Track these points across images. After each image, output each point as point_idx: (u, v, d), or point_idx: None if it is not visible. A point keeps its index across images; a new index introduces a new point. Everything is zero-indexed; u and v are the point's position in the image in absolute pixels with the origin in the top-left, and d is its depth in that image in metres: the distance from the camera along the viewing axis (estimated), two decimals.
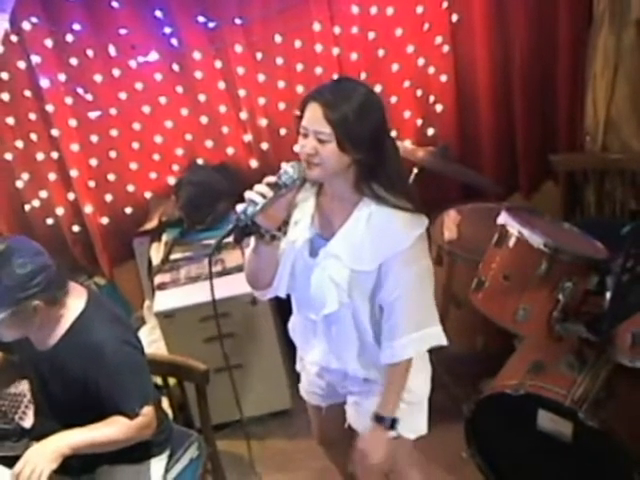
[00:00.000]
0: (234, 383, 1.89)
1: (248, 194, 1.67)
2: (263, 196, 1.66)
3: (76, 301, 2.01)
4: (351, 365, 1.94)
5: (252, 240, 1.78)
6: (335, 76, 3.10)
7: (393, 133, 3.24)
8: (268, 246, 1.76)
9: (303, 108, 1.71)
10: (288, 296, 1.99)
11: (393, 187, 1.75)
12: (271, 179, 1.69)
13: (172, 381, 2.46)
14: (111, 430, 1.93)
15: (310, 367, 2.07)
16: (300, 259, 1.85)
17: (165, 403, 2.42)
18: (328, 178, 1.76)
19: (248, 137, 3.27)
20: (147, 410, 1.97)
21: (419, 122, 3.29)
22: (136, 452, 2.05)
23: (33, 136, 3.15)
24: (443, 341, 1.89)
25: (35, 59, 2.99)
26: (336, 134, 1.64)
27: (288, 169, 1.70)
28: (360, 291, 1.82)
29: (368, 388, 1.97)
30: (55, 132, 3.13)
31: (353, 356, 1.92)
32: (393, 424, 1.88)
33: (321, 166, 1.69)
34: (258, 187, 1.68)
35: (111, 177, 3.28)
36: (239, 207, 1.67)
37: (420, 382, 1.99)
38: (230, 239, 1.71)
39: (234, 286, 2.79)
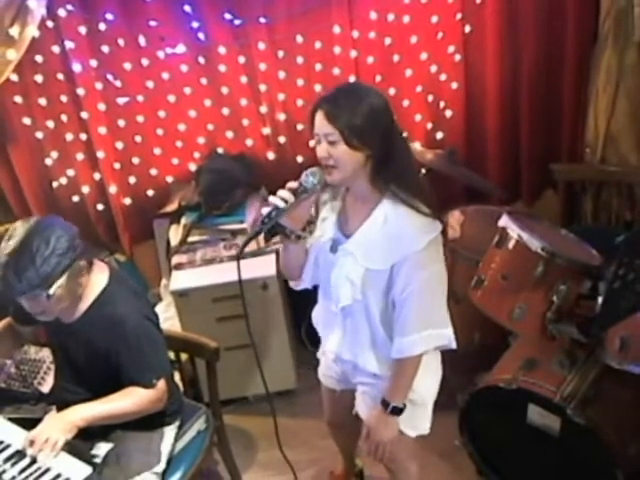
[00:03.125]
0: (259, 360, 1.89)
1: (272, 199, 1.68)
2: (285, 201, 1.66)
3: (99, 276, 2.01)
4: (361, 358, 1.93)
5: (279, 238, 1.80)
6: (351, 78, 3.10)
7: (404, 134, 3.22)
8: (295, 244, 1.78)
9: (312, 119, 1.70)
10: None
11: (409, 188, 1.73)
12: (293, 184, 1.70)
13: (184, 356, 2.45)
14: (124, 403, 1.93)
15: (328, 353, 2.06)
16: (323, 254, 1.86)
17: (177, 377, 2.41)
18: (347, 181, 1.75)
19: (267, 130, 3.24)
20: (161, 383, 1.97)
21: (429, 126, 3.26)
22: (149, 420, 2.05)
23: (63, 117, 3.12)
24: (452, 344, 1.85)
25: (69, 44, 2.95)
26: (341, 132, 1.64)
27: (309, 175, 1.70)
28: (373, 289, 1.80)
29: (375, 381, 1.96)
30: (84, 115, 3.10)
31: (364, 349, 1.92)
32: (394, 410, 1.88)
33: (337, 169, 1.69)
34: (281, 192, 1.68)
35: (135, 160, 3.25)
36: (264, 210, 1.68)
37: (427, 385, 1.97)
38: (261, 241, 1.71)
39: (247, 270, 2.69)
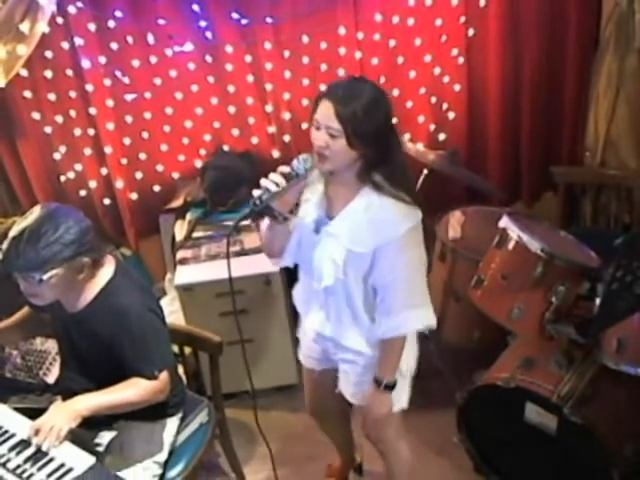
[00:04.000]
0: (245, 356, 1.89)
1: (264, 182, 1.69)
2: (277, 185, 1.67)
3: (105, 268, 1.99)
4: (344, 335, 1.95)
5: (267, 219, 1.82)
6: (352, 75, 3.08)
7: (407, 136, 3.22)
8: (281, 225, 1.79)
9: (317, 103, 1.71)
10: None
11: (394, 179, 1.77)
12: (285, 169, 1.70)
13: (187, 350, 2.44)
14: (127, 393, 1.92)
15: (309, 332, 2.07)
16: (306, 234, 1.88)
17: (180, 370, 2.40)
18: (336, 170, 1.76)
19: (272, 129, 3.23)
20: (164, 375, 1.95)
21: (432, 127, 3.25)
22: (152, 411, 2.03)
23: (72, 112, 3.11)
24: (433, 322, 1.89)
25: (78, 41, 2.94)
26: (345, 130, 1.65)
27: (301, 161, 1.71)
28: (354, 270, 1.84)
29: (356, 359, 1.98)
30: (93, 110, 3.09)
31: (346, 327, 1.94)
32: (387, 387, 1.92)
33: (331, 160, 1.71)
34: (273, 176, 1.69)
35: (142, 156, 3.24)
36: (255, 193, 1.69)
37: (406, 359, 1.98)
38: (248, 221, 1.71)
39: (250, 266, 2.77)
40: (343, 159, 1.71)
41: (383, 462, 2.24)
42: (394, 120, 1.77)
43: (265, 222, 1.88)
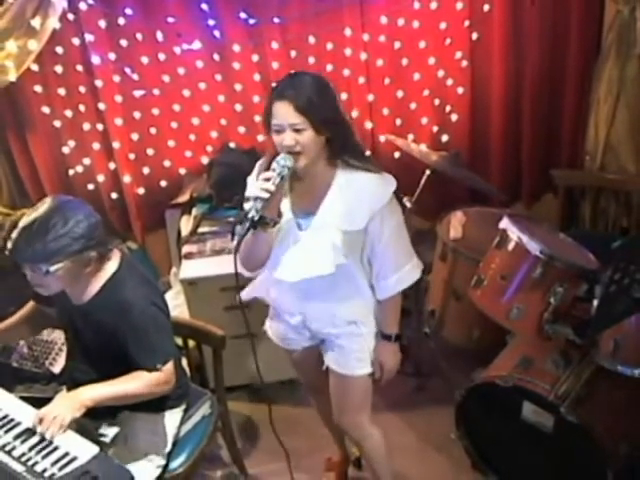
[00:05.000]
0: (255, 350, 1.88)
1: (254, 192, 1.67)
2: (267, 191, 1.65)
3: (111, 262, 1.98)
4: (341, 310, 1.98)
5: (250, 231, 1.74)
6: (361, 79, 3.07)
7: (410, 136, 3.21)
8: (268, 232, 1.76)
9: (269, 109, 1.72)
10: None
11: (358, 154, 1.84)
12: (268, 174, 1.69)
13: (191, 343, 2.42)
14: (133, 385, 1.91)
15: (290, 322, 2.08)
16: (290, 235, 1.87)
17: (184, 363, 2.38)
18: (310, 164, 1.77)
19: None
20: (168, 367, 1.94)
21: (435, 129, 3.23)
22: (156, 402, 2.02)
23: (81, 107, 3.10)
24: (421, 266, 2.01)
25: (88, 37, 2.93)
26: (310, 120, 1.68)
27: (281, 161, 1.69)
28: (351, 250, 1.89)
29: (351, 330, 2.01)
30: (102, 106, 3.08)
31: (341, 303, 1.97)
32: (397, 338, 2.03)
33: (303, 154, 1.72)
34: (261, 184, 1.67)
35: (150, 152, 3.23)
36: (247, 205, 1.68)
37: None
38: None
39: None
40: (314, 148, 1.73)
41: (360, 453, 2.22)
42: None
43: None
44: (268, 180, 1.67)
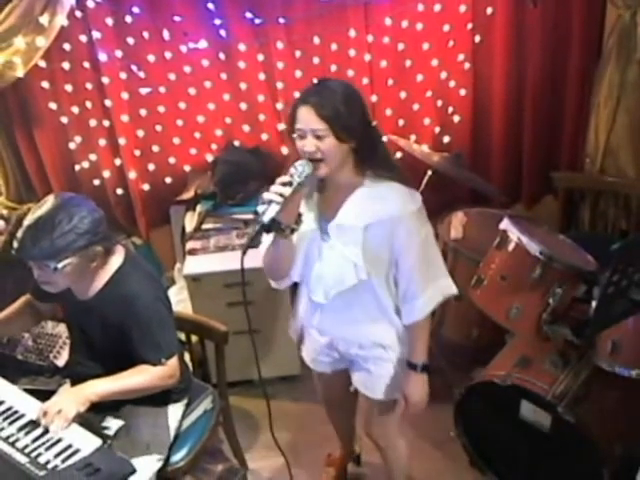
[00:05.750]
0: (255, 346, 1.83)
1: (267, 195, 1.60)
2: (281, 195, 1.59)
3: (115, 257, 1.97)
4: (369, 332, 1.91)
5: (268, 236, 1.72)
6: (364, 80, 3.05)
7: (412, 137, 3.19)
8: (286, 239, 1.70)
9: (294, 114, 1.67)
10: None
11: (386, 166, 1.76)
12: (285, 178, 1.63)
13: (194, 338, 2.41)
14: (137, 379, 1.90)
15: (320, 340, 2.02)
16: (314, 246, 1.82)
17: (186, 357, 2.37)
18: (333, 172, 1.72)
19: (282, 126, 3.18)
20: (171, 361, 1.93)
21: (437, 130, 3.22)
22: (159, 396, 2.01)
23: (88, 104, 3.08)
24: (454, 290, 1.88)
25: (96, 35, 2.91)
26: (332, 127, 1.62)
27: (298, 167, 1.64)
28: (374, 266, 1.80)
29: (379, 354, 1.93)
30: (108, 102, 3.06)
31: (369, 325, 1.90)
32: (424, 368, 1.90)
33: (325, 161, 1.67)
34: (276, 188, 1.61)
35: (155, 148, 3.21)
36: (260, 208, 1.60)
37: None
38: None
39: (258, 259, 2.70)
40: (336, 157, 1.67)
41: (382, 458, 2.22)
42: (369, 110, 1.76)
43: (266, 242, 1.77)
44: (284, 185, 1.61)
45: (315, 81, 1.74)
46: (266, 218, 1.58)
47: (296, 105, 1.68)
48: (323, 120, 1.62)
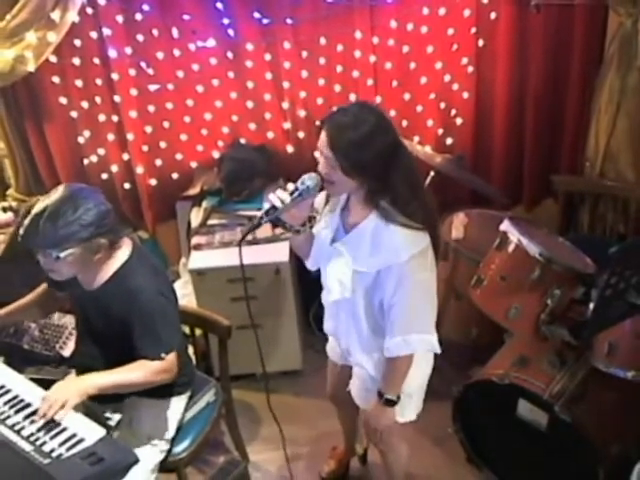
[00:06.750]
0: (258, 340, 1.85)
1: (271, 197, 1.66)
2: (282, 201, 1.64)
3: (122, 250, 1.95)
4: (352, 346, 1.94)
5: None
6: (369, 81, 3.03)
7: (415, 138, 3.17)
8: (294, 235, 1.78)
9: (321, 126, 1.65)
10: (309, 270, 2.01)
11: (400, 204, 1.67)
12: (290, 186, 1.66)
13: (198, 332, 2.41)
14: (134, 374, 1.88)
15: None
16: (324, 245, 1.84)
17: (190, 350, 2.37)
18: (345, 193, 1.73)
19: (287, 125, 3.17)
20: (170, 357, 1.90)
21: (440, 131, 3.20)
22: (162, 389, 1.99)
23: (97, 99, 3.06)
24: (436, 349, 1.82)
25: (106, 31, 2.89)
26: (340, 162, 1.59)
27: (306, 180, 1.66)
28: (359, 288, 1.78)
29: (360, 365, 1.97)
30: (117, 98, 3.04)
31: (352, 340, 1.92)
32: (388, 402, 1.87)
33: (334, 185, 1.66)
34: (279, 193, 1.65)
35: (162, 144, 3.19)
36: (265, 205, 1.67)
37: (413, 378, 1.91)
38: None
39: (261, 255, 2.73)
40: (345, 187, 1.67)
41: (382, 459, 2.21)
42: (395, 140, 1.66)
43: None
44: (288, 192, 1.65)
45: (355, 103, 1.69)
46: (263, 215, 1.66)
47: (323, 122, 1.65)
48: (332, 151, 1.59)
